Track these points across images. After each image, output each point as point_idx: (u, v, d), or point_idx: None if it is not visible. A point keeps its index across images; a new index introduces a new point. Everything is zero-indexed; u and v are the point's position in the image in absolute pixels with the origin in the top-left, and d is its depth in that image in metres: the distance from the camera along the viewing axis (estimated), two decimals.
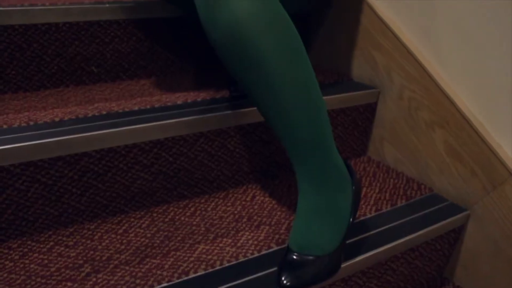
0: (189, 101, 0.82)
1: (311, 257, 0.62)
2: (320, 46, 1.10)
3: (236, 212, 0.79)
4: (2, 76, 0.85)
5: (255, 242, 0.71)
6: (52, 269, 0.64)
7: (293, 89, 0.63)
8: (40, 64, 0.88)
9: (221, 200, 0.82)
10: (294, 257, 0.62)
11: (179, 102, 0.81)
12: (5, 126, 0.70)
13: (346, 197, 0.66)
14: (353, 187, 0.67)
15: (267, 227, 0.75)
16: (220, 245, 0.70)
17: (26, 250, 0.68)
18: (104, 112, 0.76)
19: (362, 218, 0.78)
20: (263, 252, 0.69)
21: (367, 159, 1.01)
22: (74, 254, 0.68)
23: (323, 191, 0.64)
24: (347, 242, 0.71)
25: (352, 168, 0.69)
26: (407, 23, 0.89)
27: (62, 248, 0.69)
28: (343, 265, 0.65)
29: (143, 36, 0.95)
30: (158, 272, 0.64)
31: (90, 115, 0.75)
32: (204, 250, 0.69)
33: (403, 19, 0.90)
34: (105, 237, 0.72)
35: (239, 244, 0.70)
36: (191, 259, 0.67)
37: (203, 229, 0.74)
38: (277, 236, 0.72)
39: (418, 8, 0.87)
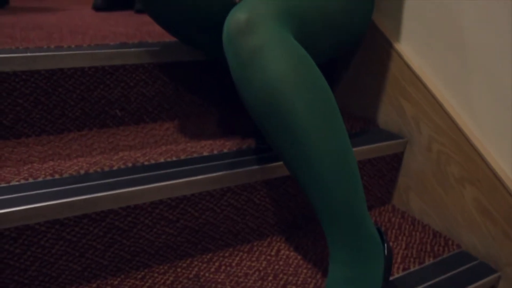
0: (215, 152, 0.80)
1: None
2: (345, 89, 1.08)
3: (261, 268, 0.77)
4: (27, 120, 0.84)
5: None
6: None
7: (327, 154, 0.61)
8: (65, 108, 0.87)
9: (246, 254, 0.80)
10: None
11: (205, 153, 0.80)
12: (30, 179, 0.69)
13: (379, 264, 0.64)
14: (385, 253, 0.66)
15: (294, 287, 0.73)
16: None
17: None
18: (130, 164, 0.75)
19: (390, 277, 0.76)
20: None
21: (391, 208, 0.99)
22: None
23: (356, 259, 0.63)
24: None
25: (383, 233, 0.67)
26: (437, 73, 0.88)
27: None
28: None
29: (168, 79, 0.94)
30: None
31: (115, 167, 0.74)
32: None
33: (433, 69, 0.88)
34: None
35: None
36: None
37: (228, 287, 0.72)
38: None
39: (449, 59, 0.85)
